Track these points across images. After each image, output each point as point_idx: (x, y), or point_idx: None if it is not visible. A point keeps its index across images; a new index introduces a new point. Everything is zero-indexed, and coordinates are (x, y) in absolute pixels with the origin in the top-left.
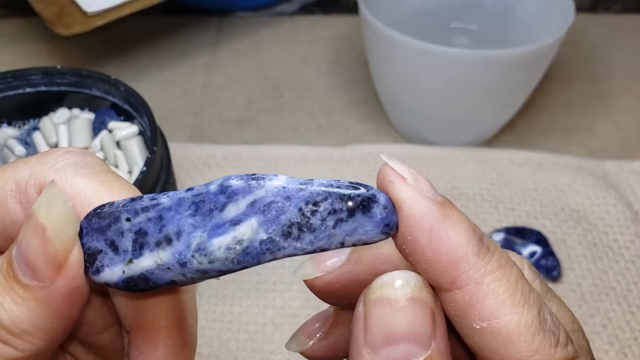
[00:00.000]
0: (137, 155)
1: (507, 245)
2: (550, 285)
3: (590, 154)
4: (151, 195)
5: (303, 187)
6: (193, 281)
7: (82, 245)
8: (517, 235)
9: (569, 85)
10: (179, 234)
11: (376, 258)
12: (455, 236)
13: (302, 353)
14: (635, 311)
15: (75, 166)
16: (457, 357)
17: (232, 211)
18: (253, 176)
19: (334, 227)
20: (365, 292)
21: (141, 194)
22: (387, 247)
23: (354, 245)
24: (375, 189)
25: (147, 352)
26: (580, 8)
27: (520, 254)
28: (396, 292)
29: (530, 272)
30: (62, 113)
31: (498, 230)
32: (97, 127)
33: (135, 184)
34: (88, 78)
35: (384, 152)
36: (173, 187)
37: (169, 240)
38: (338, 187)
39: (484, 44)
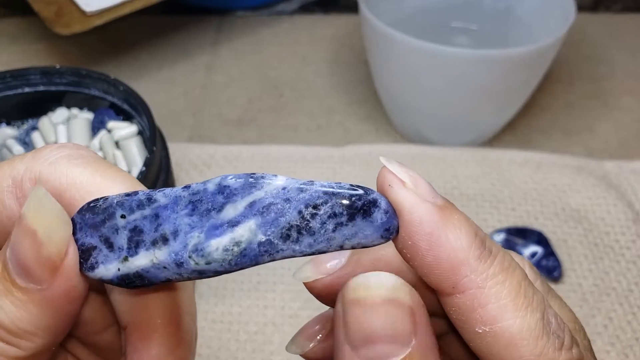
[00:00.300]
0: (136, 155)
1: (508, 245)
2: (552, 285)
3: (590, 154)
4: (147, 191)
5: (303, 188)
6: (189, 279)
7: (76, 240)
8: (518, 236)
9: (569, 85)
10: (175, 234)
11: (376, 260)
12: (456, 240)
13: (302, 355)
14: (637, 312)
15: (69, 158)
16: (460, 358)
17: (230, 212)
18: (252, 176)
19: (333, 231)
20: (342, 291)
21: (136, 186)
22: (387, 250)
23: (352, 248)
24: (376, 192)
25: (142, 349)
26: (581, 7)
27: (521, 254)
28: (371, 293)
29: (531, 272)
30: (61, 113)
31: (499, 231)
32: (96, 126)
33: None
34: (87, 78)
35: (383, 152)
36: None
37: (165, 240)
38: (339, 190)
39: (484, 44)
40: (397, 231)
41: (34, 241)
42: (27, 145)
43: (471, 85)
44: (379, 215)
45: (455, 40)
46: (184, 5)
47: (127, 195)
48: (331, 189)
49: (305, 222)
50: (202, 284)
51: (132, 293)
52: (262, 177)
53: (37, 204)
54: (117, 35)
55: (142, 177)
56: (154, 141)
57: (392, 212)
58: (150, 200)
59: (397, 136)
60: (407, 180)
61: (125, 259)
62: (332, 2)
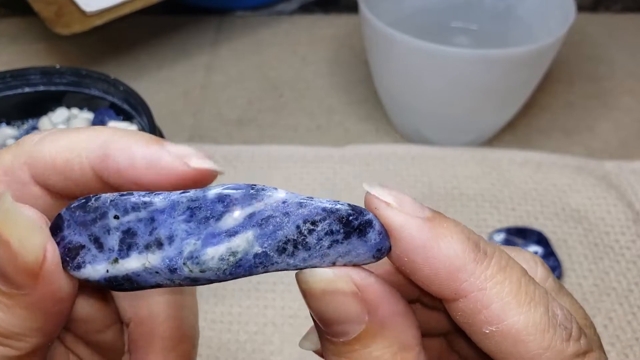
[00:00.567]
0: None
1: (508, 245)
2: None
3: (590, 154)
4: (142, 192)
5: (303, 203)
6: (179, 286)
7: (63, 238)
8: (518, 236)
9: (569, 85)
10: (171, 239)
11: None
12: (449, 248)
13: (317, 352)
14: (637, 311)
15: (53, 134)
16: (470, 355)
17: (229, 221)
18: (253, 187)
19: (328, 247)
20: (297, 279)
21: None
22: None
23: (343, 265)
24: (372, 214)
25: (146, 346)
26: (581, 7)
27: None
28: (310, 287)
29: (543, 270)
30: (61, 113)
31: (499, 231)
32: None
33: None
34: (87, 78)
35: (383, 152)
36: None
37: (159, 244)
38: (337, 208)
39: (484, 44)
40: (388, 251)
41: (8, 251)
42: None
43: (471, 85)
44: (373, 236)
45: (455, 40)
46: (184, 5)
47: (122, 195)
48: (330, 206)
49: (302, 237)
50: None
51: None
52: (263, 189)
53: (5, 215)
54: (117, 35)
55: None
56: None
57: (385, 234)
58: (146, 203)
59: (397, 136)
60: (392, 201)
61: (116, 260)
62: (332, 2)
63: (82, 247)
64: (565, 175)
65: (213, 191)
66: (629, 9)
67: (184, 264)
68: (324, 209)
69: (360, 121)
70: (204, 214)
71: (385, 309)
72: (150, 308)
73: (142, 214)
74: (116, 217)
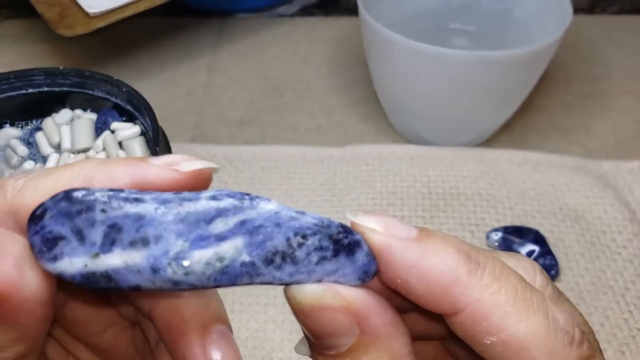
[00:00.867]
0: (139, 156)
1: (505, 244)
2: None
3: (588, 154)
4: (134, 190)
5: (295, 217)
6: (159, 290)
7: (42, 227)
8: (515, 235)
9: (566, 85)
10: (158, 238)
11: None
12: (441, 263)
13: (312, 357)
14: (633, 309)
15: (33, 177)
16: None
17: (219, 226)
18: (247, 195)
19: (316, 264)
20: (285, 295)
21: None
22: None
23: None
24: (360, 235)
25: (178, 332)
26: (577, 9)
27: (518, 253)
28: (298, 302)
29: (541, 277)
30: (64, 113)
31: (496, 229)
32: (100, 127)
33: None
34: (90, 79)
35: (383, 152)
36: None
37: (145, 243)
38: (328, 225)
39: (482, 45)
40: (374, 276)
41: None
42: (31, 145)
43: (469, 86)
44: (361, 257)
45: (453, 42)
46: (186, 7)
47: (112, 190)
48: (321, 222)
49: (292, 250)
50: None
51: (89, 295)
52: (257, 198)
53: None
54: (120, 37)
55: None
56: (157, 142)
57: (372, 257)
58: (136, 199)
59: (396, 136)
60: (377, 227)
61: (96, 255)
62: (332, 5)
63: (62, 238)
64: (563, 175)
65: (206, 194)
66: (626, 10)
67: (169, 264)
68: (315, 224)
69: (360, 121)
70: (194, 216)
71: (376, 320)
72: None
73: (131, 210)
74: (103, 210)
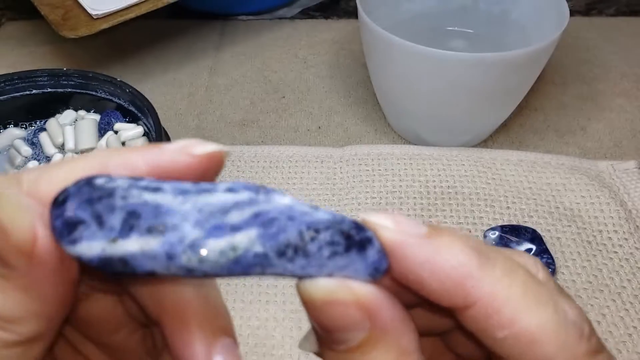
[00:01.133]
0: None
1: (502, 242)
2: None
3: (584, 154)
4: (153, 179)
5: (308, 212)
6: (173, 277)
7: (64, 211)
8: (512, 234)
9: (563, 86)
10: (174, 226)
11: None
12: (453, 258)
13: (317, 354)
14: (629, 308)
15: (46, 169)
16: (466, 353)
17: (235, 216)
18: (262, 189)
19: (328, 258)
20: (297, 289)
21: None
22: None
23: None
24: (372, 233)
25: (180, 330)
26: (574, 11)
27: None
28: (311, 297)
29: (544, 273)
30: (68, 114)
31: (493, 228)
32: (103, 128)
33: None
34: (94, 80)
35: (382, 153)
36: None
37: (162, 230)
38: (341, 221)
39: (480, 47)
40: (384, 273)
41: (1, 231)
42: (35, 145)
43: (467, 88)
44: (371, 253)
45: (451, 44)
46: (188, 10)
47: (132, 178)
48: (334, 218)
49: (304, 244)
50: None
51: (106, 279)
52: (272, 191)
53: None
54: (122, 39)
55: None
56: (159, 142)
57: (383, 255)
58: (156, 188)
59: (395, 137)
60: (389, 224)
61: (114, 240)
62: (332, 7)
63: (82, 222)
64: (559, 175)
65: (223, 186)
66: (622, 12)
67: (184, 251)
68: (328, 220)
69: (360, 122)
70: (211, 207)
71: (386, 315)
72: (174, 293)
73: (150, 198)
74: (123, 197)
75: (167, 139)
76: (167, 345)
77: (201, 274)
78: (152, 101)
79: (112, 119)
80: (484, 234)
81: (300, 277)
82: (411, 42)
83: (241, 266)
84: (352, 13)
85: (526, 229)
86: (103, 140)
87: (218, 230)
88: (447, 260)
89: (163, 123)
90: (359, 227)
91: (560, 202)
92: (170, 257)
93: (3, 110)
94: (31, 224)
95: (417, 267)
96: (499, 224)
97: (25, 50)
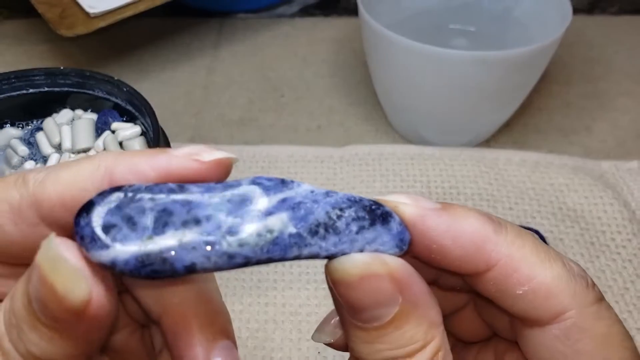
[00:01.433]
0: None
1: None
2: None
3: (587, 154)
4: (176, 183)
5: (329, 194)
6: (215, 267)
7: (92, 218)
8: None
9: (566, 85)
10: (208, 217)
11: None
12: (471, 224)
13: (331, 345)
14: (632, 309)
15: (53, 170)
16: (465, 335)
17: (264, 203)
18: (282, 180)
19: (357, 233)
20: (327, 272)
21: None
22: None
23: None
24: (389, 208)
25: (181, 330)
26: (577, 9)
27: None
28: (347, 273)
29: (540, 241)
30: (65, 113)
31: None
32: (100, 127)
33: None
34: (91, 79)
35: (382, 153)
36: None
37: (197, 221)
38: (360, 198)
39: (482, 45)
40: (409, 245)
41: (53, 293)
42: (32, 145)
43: (469, 87)
44: (394, 225)
45: (453, 42)
46: (186, 8)
47: (156, 184)
48: (353, 198)
49: (332, 222)
50: None
51: (145, 285)
52: (292, 182)
53: (52, 261)
54: (120, 37)
55: None
56: (157, 141)
57: (404, 228)
58: (182, 187)
59: (396, 136)
60: (407, 201)
61: (150, 237)
62: (332, 5)
63: (114, 226)
64: (563, 175)
65: (246, 180)
66: (625, 11)
67: (223, 237)
68: (348, 199)
69: (360, 122)
70: (239, 197)
71: (416, 288)
72: (176, 295)
73: (179, 196)
74: (152, 199)
75: (165, 138)
76: (167, 346)
77: (242, 260)
78: (149, 100)
79: (110, 118)
80: None
81: (333, 257)
82: (412, 40)
83: (279, 247)
84: (353, 11)
85: (529, 229)
86: (100, 140)
87: (251, 215)
88: (466, 227)
89: (161, 122)
90: (377, 203)
91: (564, 202)
92: (210, 244)
93: None
94: (86, 294)
95: (439, 237)
96: None
97: (21, 48)
